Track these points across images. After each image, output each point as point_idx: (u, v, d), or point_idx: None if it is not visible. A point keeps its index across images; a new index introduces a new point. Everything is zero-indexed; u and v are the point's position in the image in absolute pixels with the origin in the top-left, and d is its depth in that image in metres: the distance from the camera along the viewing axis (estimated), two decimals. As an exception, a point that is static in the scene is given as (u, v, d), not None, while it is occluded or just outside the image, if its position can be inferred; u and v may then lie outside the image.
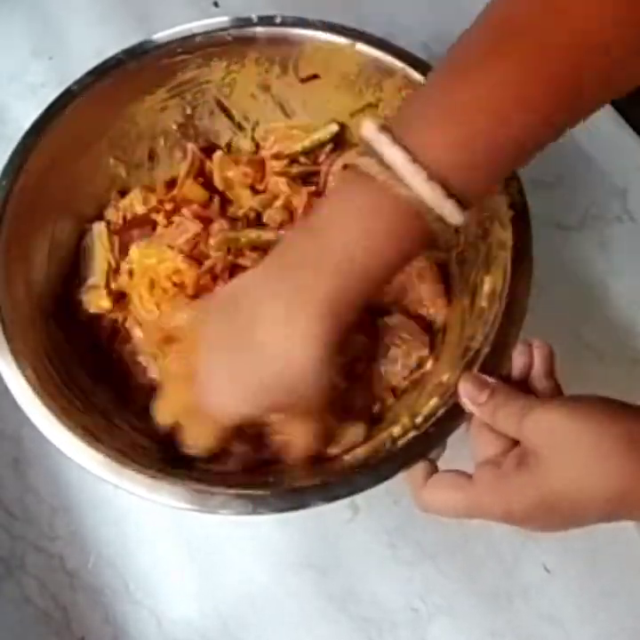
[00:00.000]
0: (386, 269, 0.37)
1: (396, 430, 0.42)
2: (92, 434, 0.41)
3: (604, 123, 0.62)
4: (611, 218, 0.59)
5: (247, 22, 0.51)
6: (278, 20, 0.51)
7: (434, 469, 0.39)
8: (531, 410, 0.36)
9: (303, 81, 0.53)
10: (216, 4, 0.69)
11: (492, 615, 0.48)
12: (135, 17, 0.69)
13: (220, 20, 0.52)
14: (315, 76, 0.53)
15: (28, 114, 0.49)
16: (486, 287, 0.44)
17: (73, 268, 0.52)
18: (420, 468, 0.39)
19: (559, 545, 0.49)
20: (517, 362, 0.41)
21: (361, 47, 0.50)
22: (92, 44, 0.66)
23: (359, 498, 0.50)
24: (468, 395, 0.39)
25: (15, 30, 0.70)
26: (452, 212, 0.34)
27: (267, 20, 0.51)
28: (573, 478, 0.33)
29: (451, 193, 0.33)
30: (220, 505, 0.39)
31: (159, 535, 0.51)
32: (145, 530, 0.51)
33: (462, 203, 0.34)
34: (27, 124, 0.48)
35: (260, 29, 0.51)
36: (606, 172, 0.60)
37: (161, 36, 0.51)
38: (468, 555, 0.49)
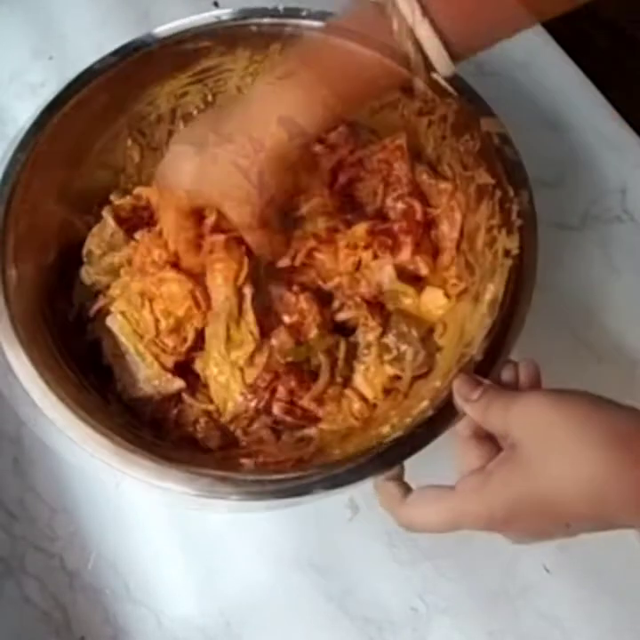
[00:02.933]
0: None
1: (386, 430, 0.42)
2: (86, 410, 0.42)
3: (604, 123, 0.62)
4: (611, 217, 0.59)
5: (273, 13, 0.52)
6: (304, 13, 0.51)
7: (408, 488, 0.39)
8: (516, 400, 0.36)
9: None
10: (216, 4, 0.69)
11: (492, 615, 0.48)
12: (135, 17, 0.69)
13: (245, 9, 0.52)
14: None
15: (27, 114, 0.49)
16: (488, 295, 0.45)
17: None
18: (393, 487, 0.39)
19: (559, 545, 0.49)
20: (504, 376, 0.41)
21: None
22: (92, 43, 0.66)
23: (359, 498, 0.50)
24: (461, 392, 0.39)
25: (15, 30, 0.70)
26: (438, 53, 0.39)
27: (292, 12, 0.51)
28: (556, 468, 0.33)
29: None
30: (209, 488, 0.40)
31: (159, 535, 0.51)
32: (145, 529, 0.51)
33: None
34: (27, 125, 0.49)
35: (284, 21, 0.51)
36: (606, 171, 0.60)
37: (183, 22, 0.51)
38: (468, 555, 0.49)
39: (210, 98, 0.55)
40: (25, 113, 0.49)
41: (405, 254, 0.50)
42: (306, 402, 0.47)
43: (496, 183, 0.47)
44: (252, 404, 0.47)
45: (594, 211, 0.59)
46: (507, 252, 0.45)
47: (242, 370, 0.48)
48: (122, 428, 0.44)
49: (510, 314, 0.43)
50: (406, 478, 0.40)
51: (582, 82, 0.64)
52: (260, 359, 0.48)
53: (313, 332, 0.48)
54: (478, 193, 0.49)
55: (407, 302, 0.50)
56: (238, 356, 0.48)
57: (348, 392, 0.48)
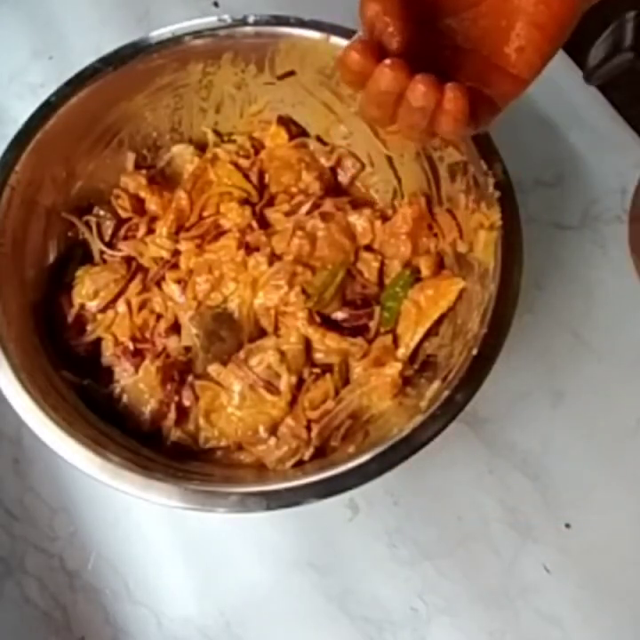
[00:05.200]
0: None
1: (388, 430, 0.42)
2: (98, 443, 0.42)
3: (604, 122, 0.62)
4: (610, 217, 0.59)
5: (223, 24, 0.51)
6: (251, 20, 0.51)
7: None
8: None
9: (280, 78, 0.53)
10: (216, 4, 0.69)
11: (492, 615, 0.48)
12: (135, 17, 0.69)
13: (198, 22, 0.51)
14: (291, 73, 0.53)
15: (27, 114, 0.49)
16: (480, 268, 0.45)
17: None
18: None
19: (559, 545, 0.49)
20: None
21: (335, 40, 0.49)
22: (92, 43, 0.66)
23: (359, 497, 0.50)
24: None
25: (15, 30, 0.70)
26: None
27: (241, 21, 0.51)
28: None
29: None
30: (225, 504, 0.40)
31: (159, 535, 0.51)
32: (144, 529, 0.51)
33: None
34: (23, 124, 0.48)
35: (235, 30, 0.51)
36: (606, 171, 0.60)
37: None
38: (468, 555, 0.49)
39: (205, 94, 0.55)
40: (25, 113, 0.49)
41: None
42: None
43: (467, 159, 0.46)
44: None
45: (593, 211, 0.59)
46: (491, 225, 0.44)
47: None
48: (113, 439, 0.44)
49: (504, 285, 0.43)
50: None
51: (582, 82, 0.64)
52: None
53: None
54: (451, 172, 0.48)
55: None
56: None
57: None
